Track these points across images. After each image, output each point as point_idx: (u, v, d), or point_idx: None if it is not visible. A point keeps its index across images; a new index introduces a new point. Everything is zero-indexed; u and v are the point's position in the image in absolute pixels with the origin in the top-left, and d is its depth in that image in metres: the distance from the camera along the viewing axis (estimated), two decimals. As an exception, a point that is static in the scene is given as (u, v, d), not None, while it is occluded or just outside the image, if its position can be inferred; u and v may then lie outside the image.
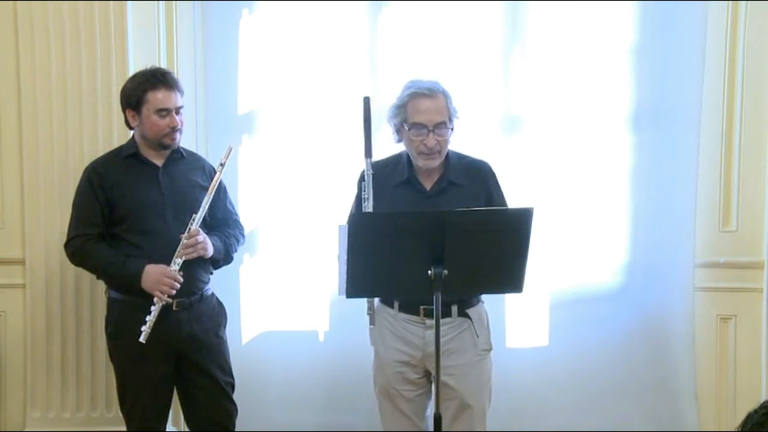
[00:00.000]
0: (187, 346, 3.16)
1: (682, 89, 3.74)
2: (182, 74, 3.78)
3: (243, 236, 3.40)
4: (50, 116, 3.66)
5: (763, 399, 1.47)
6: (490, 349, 3.05)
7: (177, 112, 3.13)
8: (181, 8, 3.77)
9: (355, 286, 2.52)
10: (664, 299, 3.80)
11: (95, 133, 3.66)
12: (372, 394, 3.40)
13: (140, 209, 3.13)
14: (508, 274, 2.59)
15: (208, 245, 3.12)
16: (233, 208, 3.42)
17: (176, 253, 3.05)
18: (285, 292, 3.80)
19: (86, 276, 3.68)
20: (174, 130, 3.13)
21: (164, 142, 3.15)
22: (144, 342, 2.98)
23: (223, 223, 3.33)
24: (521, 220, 2.50)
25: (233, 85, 3.78)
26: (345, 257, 2.48)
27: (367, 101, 2.94)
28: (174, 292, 3.04)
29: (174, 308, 3.09)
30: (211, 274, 3.28)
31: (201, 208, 3.09)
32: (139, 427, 3.20)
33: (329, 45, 3.77)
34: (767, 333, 3.66)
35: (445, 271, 2.46)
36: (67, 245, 3.22)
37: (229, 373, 3.30)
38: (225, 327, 3.32)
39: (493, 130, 3.73)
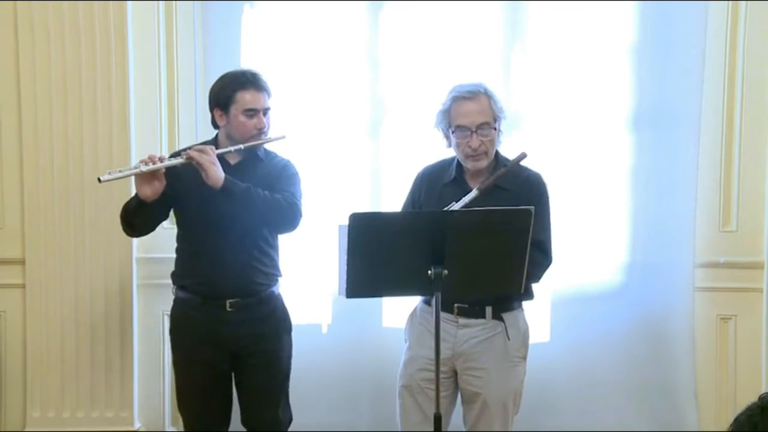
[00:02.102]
0: (240, 348, 3.07)
1: (682, 89, 3.74)
2: (182, 74, 3.80)
3: (289, 204, 3.01)
4: (50, 116, 3.66)
5: (763, 399, 1.46)
6: (524, 357, 3.00)
7: (264, 114, 3.07)
8: (181, 8, 3.78)
9: (354, 286, 2.51)
10: (664, 299, 3.80)
11: (95, 133, 3.66)
12: (374, 386, 3.41)
13: (200, 204, 3.00)
14: (507, 275, 2.59)
15: (217, 167, 2.89)
16: (296, 192, 3.09)
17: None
18: (288, 285, 3.81)
19: (86, 276, 3.68)
20: (261, 131, 3.06)
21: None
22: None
23: None
24: (521, 220, 2.50)
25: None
26: (345, 257, 2.48)
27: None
28: (152, 163, 2.87)
29: (228, 308, 3.03)
30: (275, 277, 3.16)
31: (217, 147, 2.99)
32: (193, 428, 3.14)
33: (330, 43, 3.78)
34: (767, 333, 3.66)
35: (445, 271, 2.45)
36: None
37: (283, 380, 3.17)
38: (289, 333, 3.19)
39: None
